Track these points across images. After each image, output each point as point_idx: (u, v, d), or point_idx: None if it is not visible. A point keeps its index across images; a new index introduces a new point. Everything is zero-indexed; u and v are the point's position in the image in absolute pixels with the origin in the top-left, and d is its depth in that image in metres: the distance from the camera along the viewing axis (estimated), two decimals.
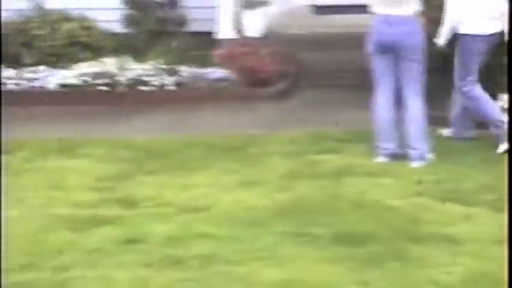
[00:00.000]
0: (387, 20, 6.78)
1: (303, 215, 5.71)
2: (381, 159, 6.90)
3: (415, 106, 6.85)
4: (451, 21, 7.14)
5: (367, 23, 9.51)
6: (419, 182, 6.38)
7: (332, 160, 6.92)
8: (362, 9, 10.13)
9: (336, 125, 7.74)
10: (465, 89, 7.22)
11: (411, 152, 6.85)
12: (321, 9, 10.33)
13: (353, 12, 9.97)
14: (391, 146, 6.92)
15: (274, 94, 8.58)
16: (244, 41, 8.97)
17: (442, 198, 6.06)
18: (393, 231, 5.41)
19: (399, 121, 6.96)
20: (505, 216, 5.04)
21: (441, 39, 7.19)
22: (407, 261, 4.91)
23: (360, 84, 8.77)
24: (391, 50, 6.79)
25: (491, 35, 7.12)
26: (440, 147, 7.01)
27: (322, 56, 9.16)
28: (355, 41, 9.18)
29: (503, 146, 7.10)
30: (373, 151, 7.00)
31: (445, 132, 7.53)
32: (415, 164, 6.79)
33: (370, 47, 6.92)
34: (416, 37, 6.78)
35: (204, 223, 5.56)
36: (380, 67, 6.90)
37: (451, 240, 5.26)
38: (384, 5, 6.81)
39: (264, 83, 8.62)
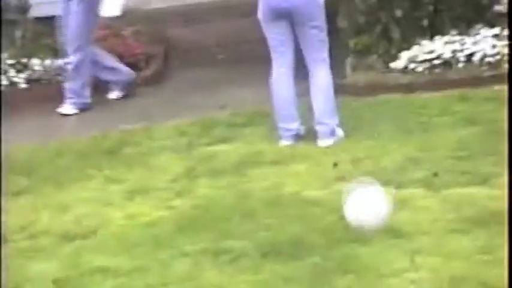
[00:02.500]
0: None
1: (212, 225, 4.71)
2: (284, 142, 5.97)
3: (321, 76, 5.94)
4: None
5: None
6: (335, 165, 5.51)
7: (229, 151, 5.93)
8: None
9: (222, 108, 6.76)
10: None
11: (319, 128, 5.94)
12: None
13: None
14: (294, 125, 5.99)
15: (146, 79, 7.47)
16: (102, 22, 7.80)
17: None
18: (326, 232, 4.47)
19: (302, 95, 6.07)
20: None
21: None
22: (359, 273, 3.99)
23: (242, 59, 7.92)
24: (287, 16, 5.88)
25: None
26: (348, 118, 6.15)
27: (194, 30, 8.14)
28: (230, 9, 8.32)
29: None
30: (273, 134, 6.08)
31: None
32: (325, 142, 5.88)
33: (261, 14, 5.99)
34: (315, 1, 5.88)
35: (96, 253, 4.48)
36: (275, 36, 5.97)
37: (398, 235, 4.36)
38: None
39: (132, 68, 7.50)
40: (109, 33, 7.61)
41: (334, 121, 5.94)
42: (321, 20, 5.91)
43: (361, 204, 4.46)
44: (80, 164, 5.88)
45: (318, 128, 5.94)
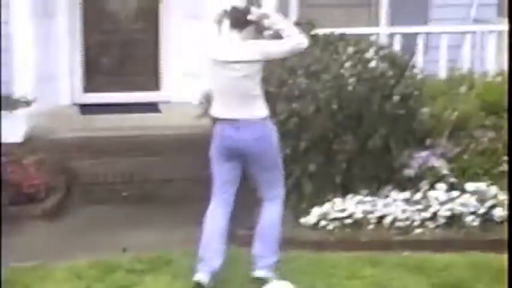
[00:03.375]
0: (233, 124, 5.82)
1: None
2: (200, 276, 5.77)
3: (271, 211, 5.96)
4: None
5: (145, 125, 8.49)
6: None
7: None
8: (141, 108, 9.09)
9: (123, 251, 6.43)
10: None
11: (259, 259, 5.89)
12: (90, 109, 9.03)
13: (131, 112, 8.81)
14: (216, 263, 5.84)
15: (44, 213, 7.07)
16: (3, 148, 7.45)
17: None
18: None
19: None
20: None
21: None
22: None
23: (147, 199, 7.66)
24: (239, 156, 5.89)
25: None
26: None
27: (99, 164, 7.82)
28: (138, 146, 8.08)
29: None
30: (176, 283, 5.80)
31: None
32: (260, 273, 5.81)
33: (213, 151, 5.96)
34: (267, 141, 5.87)
35: None
36: (222, 175, 5.95)
37: None
38: (227, 109, 5.86)
39: (29, 199, 7.12)
40: (9, 160, 7.24)
41: (272, 258, 5.89)
42: (275, 158, 5.90)
43: None
44: None
45: (258, 258, 5.91)
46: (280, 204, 6.01)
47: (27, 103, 7.94)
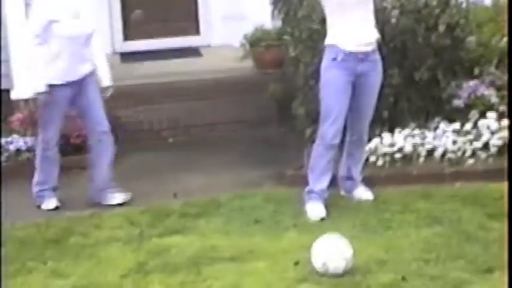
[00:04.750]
0: None
1: None
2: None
3: None
4: None
5: (186, 69, 8.45)
6: (296, 264, 5.20)
7: (183, 244, 5.56)
8: (182, 53, 9.04)
9: (174, 196, 6.43)
10: None
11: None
12: (131, 57, 8.99)
13: (171, 58, 8.76)
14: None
15: None
16: None
17: (331, 285, 4.91)
18: None
19: None
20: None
21: None
22: None
23: (193, 144, 7.64)
24: None
25: None
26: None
27: (144, 111, 7.82)
28: (182, 91, 8.05)
29: None
30: (228, 227, 5.79)
31: None
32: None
33: None
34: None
35: None
36: None
37: None
38: None
39: (78, 149, 7.16)
40: None
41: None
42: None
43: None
44: (21, 254, 5.45)
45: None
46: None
47: None
